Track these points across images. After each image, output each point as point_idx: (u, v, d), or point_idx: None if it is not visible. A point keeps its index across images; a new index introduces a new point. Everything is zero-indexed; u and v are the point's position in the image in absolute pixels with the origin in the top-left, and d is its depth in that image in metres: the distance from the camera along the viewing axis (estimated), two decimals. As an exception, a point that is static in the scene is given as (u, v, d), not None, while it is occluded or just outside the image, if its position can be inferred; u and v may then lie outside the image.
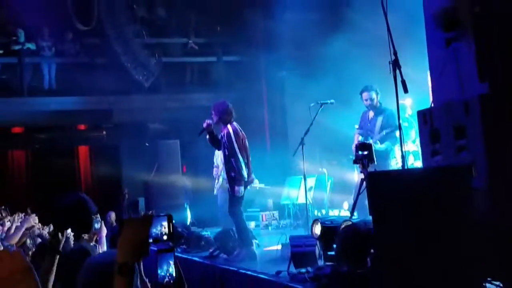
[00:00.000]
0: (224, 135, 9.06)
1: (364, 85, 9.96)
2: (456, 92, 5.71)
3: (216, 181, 11.91)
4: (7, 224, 8.35)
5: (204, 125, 9.20)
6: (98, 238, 6.26)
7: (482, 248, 4.90)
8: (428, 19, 6.04)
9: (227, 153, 9.04)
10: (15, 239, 7.26)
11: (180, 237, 10.71)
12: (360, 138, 9.89)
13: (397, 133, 9.95)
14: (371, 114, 9.95)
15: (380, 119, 9.78)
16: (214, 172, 12.06)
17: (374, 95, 9.79)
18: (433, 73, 6.20)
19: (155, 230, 2.88)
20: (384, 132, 9.67)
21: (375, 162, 7.85)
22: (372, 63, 11.26)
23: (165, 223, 2.96)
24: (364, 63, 12.36)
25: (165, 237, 2.95)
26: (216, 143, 9.34)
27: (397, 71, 6.38)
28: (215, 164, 12.03)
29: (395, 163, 10.06)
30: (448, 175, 5.18)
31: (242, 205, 9.30)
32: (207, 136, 9.36)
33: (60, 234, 4.20)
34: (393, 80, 6.35)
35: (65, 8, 16.59)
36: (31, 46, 16.57)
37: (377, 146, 9.30)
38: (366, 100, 9.83)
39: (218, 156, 11.90)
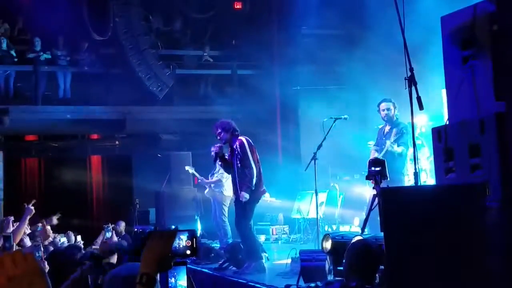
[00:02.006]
0: (237, 146, 9.12)
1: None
2: (472, 110, 5.68)
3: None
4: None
5: (217, 150, 9.29)
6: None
7: (496, 267, 4.86)
8: (445, 36, 6.03)
9: (239, 164, 9.08)
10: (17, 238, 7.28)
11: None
12: (377, 154, 9.87)
13: (411, 150, 9.98)
14: (387, 128, 9.95)
15: (394, 131, 9.77)
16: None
17: (391, 106, 9.81)
18: (449, 91, 6.17)
19: (174, 244, 2.88)
20: (392, 139, 9.65)
21: (388, 178, 7.82)
22: (387, 79, 11.27)
23: (183, 237, 2.94)
24: (379, 79, 12.38)
25: (188, 252, 2.94)
26: (228, 166, 9.40)
27: (413, 88, 6.37)
28: (196, 175, 12.62)
29: (407, 181, 10.03)
30: (462, 193, 5.16)
31: (250, 218, 9.31)
32: (220, 163, 9.47)
33: None
34: (409, 96, 6.33)
35: (81, 18, 16.67)
36: (47, 55, 16.66)
37: (394, 149, 9.36)
38: (384, 110, 9.82)
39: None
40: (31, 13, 16.46)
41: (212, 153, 9.37)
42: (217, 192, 12.03)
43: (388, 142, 9.51)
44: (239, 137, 9.25)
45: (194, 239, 2.94)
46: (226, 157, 9.45)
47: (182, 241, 2.94)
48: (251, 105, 15.14)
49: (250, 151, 9.13)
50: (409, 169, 10.30)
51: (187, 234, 2.95)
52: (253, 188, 9.06)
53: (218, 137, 9.31)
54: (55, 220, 10.32)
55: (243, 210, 9.11)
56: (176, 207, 14.96)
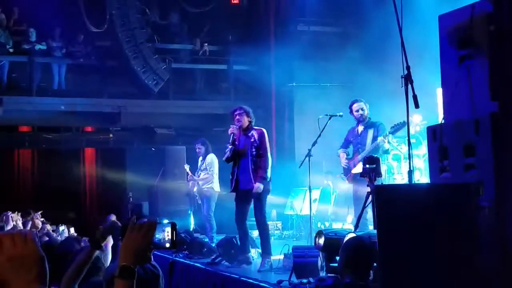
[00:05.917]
0: (254, 135, 9.14)
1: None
2: (467, 109, 5.68)
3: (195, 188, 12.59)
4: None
5: (234, 130, 9.23)
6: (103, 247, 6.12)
7: (487, 265, 4.88)
8: (443, 36, 6.03)
9: (254, 152, 9.07)
10: None
11: (183, 243, 10.72)
12: (345, 155, 10.01)
13: (404, 148, 10.01)
14: (360, 128, 9.96)
15: (371, 132, 9.78)
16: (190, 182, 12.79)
17: (364, 106, 9.83)
18: (445, 90, 6.18)
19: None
20: (381, 135, 9.64)
21: (382, 176, 7.84)
22: (383, 77, 11.29)
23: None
24: (375, 77, 12.39)
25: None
26: (234, 154, 9.32)
27: (409, 86, 6.37)
28: (189, 173, 12.85)
29: (401, 179, 10.07)
30: (456, 192, 5.17)
31: (265, 210, 9.28)
32: (231, 146, 9.31)
33: None
34: (405, 94, 6.33)
35: (77, 9, 16.65)
36: (42, 46, 16.62)
37: (385, 145, 9.49)
38: (357, 111, 9.84)
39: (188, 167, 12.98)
40: (27, 3, 16.40)
41: (230, 133, 9.29)
42: (206, 189, 12.15)
43: (380, 138, 9.50)
44: (258, 128, 9.31)
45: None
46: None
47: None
48: (246, 101, 15.12)
49: (268, 142, 9.19)
50: (403, 168, 10.33)
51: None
52: (268, 180, 9.08)
53: (236, 118, 9.26)
54: (39, 218, 10.26)
55: (258, 201, 9.09)
56: (169, 201, 14.94)
